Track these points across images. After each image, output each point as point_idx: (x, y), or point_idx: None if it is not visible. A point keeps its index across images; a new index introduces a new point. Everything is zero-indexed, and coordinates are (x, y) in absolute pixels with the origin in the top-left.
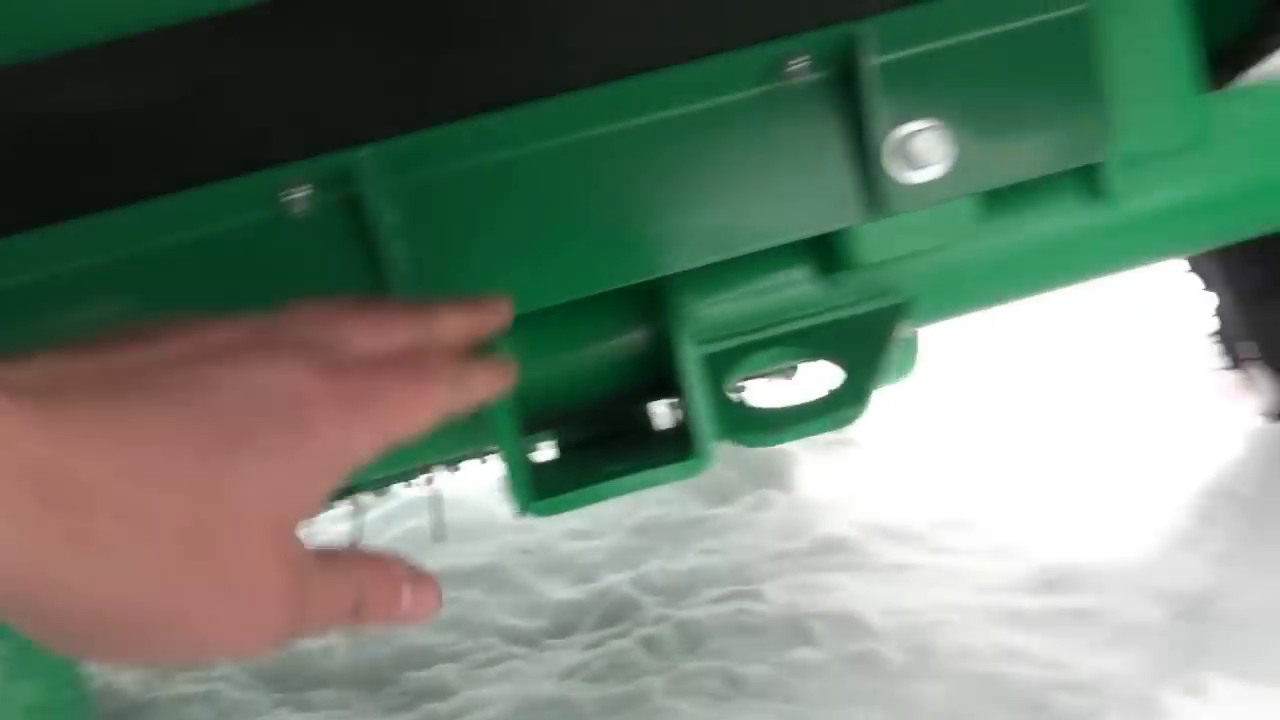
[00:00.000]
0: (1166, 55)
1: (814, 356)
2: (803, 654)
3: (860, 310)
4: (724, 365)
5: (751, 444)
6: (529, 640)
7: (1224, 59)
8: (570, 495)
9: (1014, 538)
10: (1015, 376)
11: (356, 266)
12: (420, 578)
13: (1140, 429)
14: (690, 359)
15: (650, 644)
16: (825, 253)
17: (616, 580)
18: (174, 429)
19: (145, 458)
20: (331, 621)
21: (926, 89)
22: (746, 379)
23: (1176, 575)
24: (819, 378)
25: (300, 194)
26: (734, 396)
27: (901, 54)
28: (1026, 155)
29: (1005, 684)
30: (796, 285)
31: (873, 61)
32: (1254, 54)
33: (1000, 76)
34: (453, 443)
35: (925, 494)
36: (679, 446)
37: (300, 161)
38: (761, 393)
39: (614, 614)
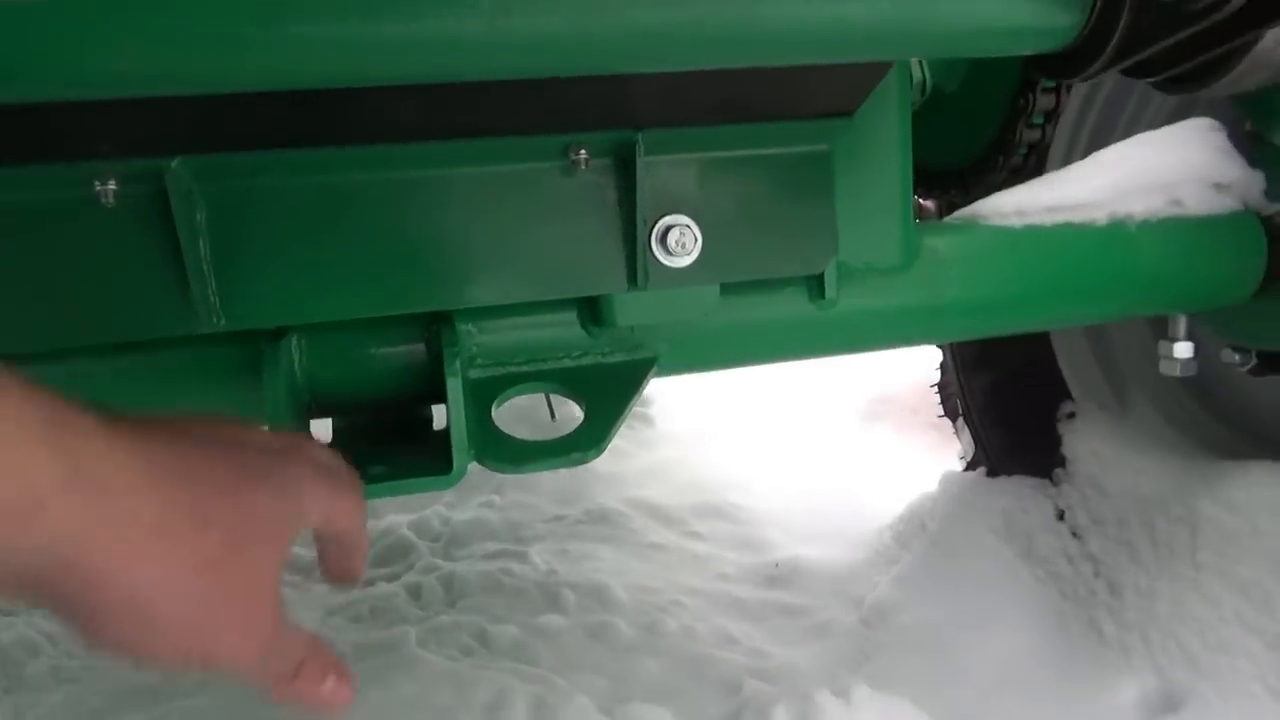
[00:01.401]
0: (886, 194)
1: (569, 394)
2: (551, 620)
3: (614, 360)
4: (488, 391)
5: (497, 470)
6: (303, 570)
7: (952, 181)
8: None
9: (756, 533)
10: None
11: (161, 255)
12: (342, 670)
13: (876, 457)
14: (458, 382)
15: (416, 592)
16: (593, 309)
17: (398, 521)
18: (221, 470)
19: (194, 489)
20: (282, 670)
21: (684, 191)
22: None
23: (869, 587)
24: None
25: (110, 185)
26: (495, 422)
27: (665, 158)
28: (763, 260)
29: (714, 666)
30: (564, 327)
31: (640, 161)
32: (976, 184)
33: (747, 193)
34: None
35: (694, 481)
36: (440, 456)
37: (113, 159)
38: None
39: (389, 556)
